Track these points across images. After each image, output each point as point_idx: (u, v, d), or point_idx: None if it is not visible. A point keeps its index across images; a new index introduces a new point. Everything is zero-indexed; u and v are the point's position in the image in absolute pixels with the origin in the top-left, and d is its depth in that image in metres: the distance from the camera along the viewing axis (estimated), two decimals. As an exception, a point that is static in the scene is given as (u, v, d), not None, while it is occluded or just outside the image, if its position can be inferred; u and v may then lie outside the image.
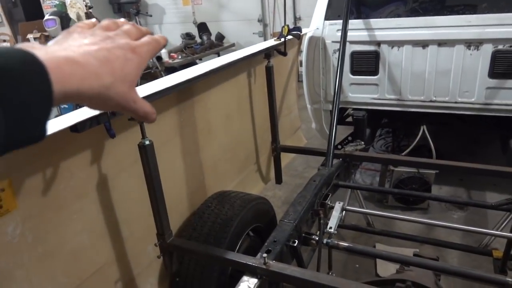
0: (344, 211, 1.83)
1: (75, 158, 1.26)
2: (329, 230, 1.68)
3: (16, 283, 1.14)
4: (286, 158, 2.92)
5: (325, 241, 1.62)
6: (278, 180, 2.55)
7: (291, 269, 1.23)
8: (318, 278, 1.17)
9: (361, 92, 2.86)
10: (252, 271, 1.28)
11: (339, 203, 1.83)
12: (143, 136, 1.31)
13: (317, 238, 1.63)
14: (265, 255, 1.27)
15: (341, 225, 2.26)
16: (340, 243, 1.59)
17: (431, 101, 2.68)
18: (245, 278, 1.28)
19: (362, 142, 2.32)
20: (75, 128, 1.06)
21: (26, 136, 0.40)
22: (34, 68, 0.38)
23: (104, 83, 0.46)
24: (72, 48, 0.45)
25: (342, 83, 2.85)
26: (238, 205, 1.79)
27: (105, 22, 0.53)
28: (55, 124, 1.07)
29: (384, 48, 2.68)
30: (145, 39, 0.53)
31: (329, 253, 1.72)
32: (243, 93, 2.31)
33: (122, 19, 0.55)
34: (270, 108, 2.34)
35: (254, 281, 1.26)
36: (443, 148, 3.20)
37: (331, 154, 2.09)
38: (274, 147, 2.44)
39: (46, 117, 0.41)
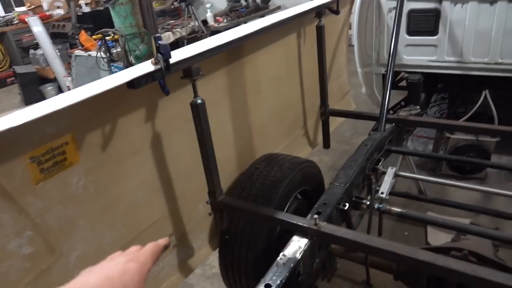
0: (396, 177, 1.77)
1: (131, 115, 1.29)
2: (381, 195, 1.63)
3: (81, 231, 1.21)
4: (333, 123, 2.84)
5: (376, 206, 1.58)
6: (326, 144, 2.50)
7: (343, 231, 1.22)
8: (371, 241, 1.15)
9: (418, 54, 2.68)
10: (302, 232, 1.28)
11: (392, 168, 1.77)
12: (195, 95, 1.31)
13: (368, 203, 1.60)
14: (316, 216, 1.26)
15: (391, 192, 2.20)
16: (392, 208, 1.55)
17: (496, 63, 2.46)
18: (295, 238, 1.28)
19: (418, 107, 2.20)
20: (132, 84, 1.08)
21: None
22: None
23: None
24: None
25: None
26: (286, 168, 1.78)
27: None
28: (112, 80, 1.09)
29: (446, 5, 2.46)
30: (145, 247, 0.66)
31: (380, 219, 1.68)
32: (292, 54, 2.24)
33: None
34: (320, 70, 2.26)
35: (304, 241, 1.26)
36: (506, 117, 2.97)
37: (384, 118, 2.01)
38: (323, 110, 2.38)
39: None
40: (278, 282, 1.11)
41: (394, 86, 3.01)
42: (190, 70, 1.23)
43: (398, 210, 1.53)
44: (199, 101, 1.31)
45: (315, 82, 2.38)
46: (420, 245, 2.18)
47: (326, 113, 2.37)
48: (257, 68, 1.92)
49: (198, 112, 1.31)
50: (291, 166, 1.80)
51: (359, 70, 2.99)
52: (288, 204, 1.76)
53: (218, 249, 1.74)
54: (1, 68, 7.45)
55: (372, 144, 1.81)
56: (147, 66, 1.14)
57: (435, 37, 2.57)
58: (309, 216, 1.34)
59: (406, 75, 2.74)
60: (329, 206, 1.41)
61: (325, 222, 1.28)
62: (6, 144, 0.94)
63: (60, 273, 1.16)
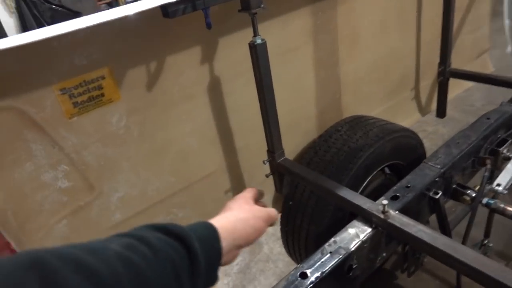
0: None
1: (183, 54, 1.14)
2: (496, 187, 1.21)
3: (124, 173, 1.16)
4: (458, 87, 2.30)
5: (485, 200, 1.18)
6: (441, 113, 2.03)
7: (417, 228, 0.91)
8: (455, 251, 0.82)
9: None
10: (366, 217, 1.01)
11: (522, 153, 1.30)
12: (255, 34, 1.08)
13: (473, 194, 1.21)
14: (385, 201, 0.96)
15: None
16: (509, 208, 1.13)
17: None
18: (356, 223, 1.02)
19: None
20: (166, 12, 0.90)
21: (210, 280, 0.59)
22: (214, 235, 0.62)
23: (242, 245, 0.69)
24: (232, 218, 0.70)
25: None
26: (373, 134, 1.45)
27: (252, 193, 0.83)
28: (140, 5, 0.93)
29: None
30: (272, 215, 0.78)
31: (489, 217, 1.28)
32: (410, -5, 1.79)
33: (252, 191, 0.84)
34: (444, 16, 1.76)
35: (366, 229, 0.99)
36: None
37: (525, 85, 1.48)
38: (442, 70, 1.89)
39: (218, 265, 0.61)
40: (318, 274, 0.89)
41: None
42: (247, 1, 1.00)
43: (516, 212, 1.11)
44: (258, 41, 1.08)
45: (438, 34, 1.88)
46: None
47: (445, 73, 1.89)
48: (354, 10, 1.57)
49: (257, 55, 1.09)
50: (380, 133, 1.46)
51: (506, 22, 2.30)
52: (369, 178, 1.46)
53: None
54: None
55: (498, 118, 1.35)
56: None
57: None
58: (380, 199, 1.04)
59: None
60: (413, 191, 1.09)
61: (397, 212, 0.97)
62: (30, 70, 0.88)
63: (99, 211, 1.14)
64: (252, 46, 1.09)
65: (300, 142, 1.63)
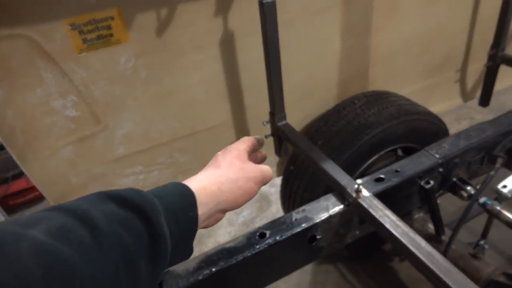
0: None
1: (197, 3, 1.15)
2: (501, 189, 1.14)
3: (129, 112, 1.24)
4: (514, 77, 2.07)
5: (482, 200, 1.11)
6: (484, 101, 1.86)
7: (383, 213, 0.89)
8: (416, 245, 0.81)
9: None
10: (341, 193, 1.01)
11: (543, 159, 1.19)
12: (265, -10, 1.05)
13: (472, 192, 1.14)
14: (359, 181, 0.95)
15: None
16: (504, 212, 1.06)
17: None
18: (330, 196, 1.02)
19: None
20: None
21: (181, 253, 0.52)
22: (189, 201, 0.53)
23: (228, 209, 0.61)
24: (218, 179, 0.61)
25: None
26: (388, 113, 1.39)
27: (247, 145, 0.72)
28: None
29: None
30: (266, 175, 0.67)
31: (488, 220, 1.21)
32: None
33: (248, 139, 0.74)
34: (506, -7, 1.56)
35: (338, 205, 0.99)
36: None
37: None
38: (493, 54, 1.71)
39: (193, 235, 0.53)
40: (277, 237, 0.92)
41: None
42: (259, -45, 0.97)
43: (510, 216, 1.04)
44: (268, -1, 1.05)
45: (499, 11, 1.68)
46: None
47: (495, 58, 1.70)
48: (398, -26, 1.44)
49: (265, 14, 1.07)
50: (395, 112, 1.40)
51: None
52: (375, 157, 1.42)
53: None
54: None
55: (528, 115, 1.22)
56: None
57: None
58: (362, 179, 1.03)
59: None
60: (400, 177, 1.05)
61: (371, 194, 0.96)
62: (42, 2, 0.95)
63: (104, 143, 1.24)
64: (261, 4, 1.07)
65: (317, 109, 1.60)
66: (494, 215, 1.08)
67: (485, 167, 1.19)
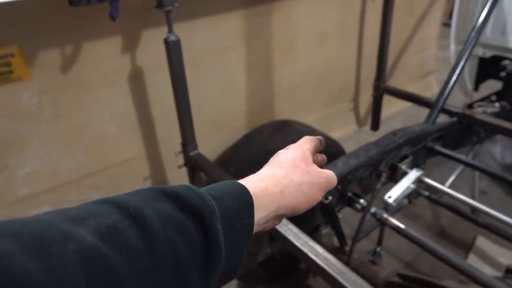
0: (419, 183, 1.41)
1: (103, 41, 1.19)
2: (387, 199, 1.31)
3: (33, 149, 1.20)
4: (399, 104, 2.41)
5: (373, 210, 1.27)
6: (374, 126, 2.13)
7: (288, 227, 0.98)
8: (315, 252, 0.90)
9: (533, 38, 2.04)
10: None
11: (417, 171, 1.40)
12: (170, 30, 1.14)
13: (365, 204, 1.30)
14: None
15: (435, 200, 1.80)
16: (390, 219, 1.23)
17: None
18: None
19: (497, 104, 1.69)
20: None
21: (233, 263, 0.43)
22: (247, 206, 0.45)
23: (287, 215, 0.53)
24: (282, 181, 0.51)
25: (505, 21, 2.08)
26: (291, 139, 1.53)
27: (311, 145, 0.61)
28: None
29: None
30: (331, 181, 0.57)
31: (381, 228, 1.37)
32: (352, 10, 1.87)
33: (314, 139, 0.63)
34: (381, 35, 1.86)
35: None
36: None
37: (438, 108, 1.58)
38: (376, 85, 1.99)
39: (247, 244, 0.45)
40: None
41: (495, 75, 2.39)
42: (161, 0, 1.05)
43: (396, 223, 1.20)
44: (172, 38, 1.14)
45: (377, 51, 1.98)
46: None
47: (379, 89, 1.99)
48: (292, 18, 1.64)
49: (170, 51, 1.14)
50: (297, 138, 1.54)
51: (452, 47, 2.42)
52: (284, 180, 1.54)
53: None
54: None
55: (403, 136, 1.44)
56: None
57: None
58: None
59: (508, 62, 2.13)
60: (303, 195, 1.16)
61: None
62: None
63: (3, 184, 1.17)
64: (166, 43, 1.14)
65: (229, 139, 1.69)
66: (383, 223, 1.25)
67: (374, 181, 1.37)
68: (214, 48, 1.46)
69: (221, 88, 1.56)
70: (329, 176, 0.57)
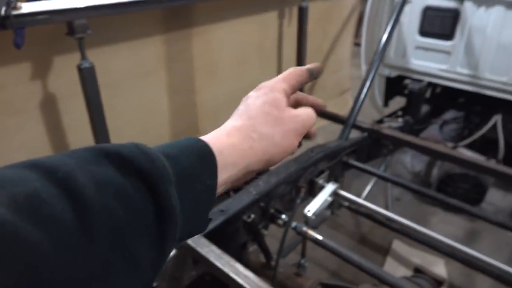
0: (335, 197, 1.51)
1: (5, 68, 1.13)
2: (307, 213, 1.39)
3: None
4: (320, 121, 2.57)
5: (294, 224, 1.34)
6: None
7: (210, 249, 1.00)
8: (221, 262, 0.93)
9: (427, 59, 2.32)
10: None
11: (333, 184, 1.51)
12: (83, 57, 1.12)
13: (286, 219, 1.36)
14: (187, 224, 1.05)
15: (355, 210, 1.93)
16: (309, 231, 1.30)
17: (516, 85, 2.06)
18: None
19: (400, 119, 1.89)
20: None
21: (194, 228, 0.40)
22: (209, 165, 0.40)
23: (260, 169, 0.47)
24: (251, 134, 0.45)
25: (405, 45, 2.34)
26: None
27: (287, 85, 0.52)
28: None
29: (467, 7, 2.08)
30: (307, 124, 0.49)
31: (304, 240, 1.45)
32: (270, 35, 1.98)
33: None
34: (297, 58, 1.99)
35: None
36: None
37: (349, 125, 1.72)
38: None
39: (210, 207, 0.41)
40: None
41: (400, 92, 2.66)
42: (72, 27, 1.03)
43: (314, 235, 1.28)
44: (86, 64, 1.12)
45: (297, 72, 2.11)
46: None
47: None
48: (211, 43, 1.69)
49: (84, 78, 1.12)
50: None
51: (363, 68, 2.66)
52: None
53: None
54: None
55: (320, 152, 1.55)
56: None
57: (450, 43, 2.20)
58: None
59: (410, 82, 2.40)
60: (226, 215, 1.19)
61: (199, 235, 1.06)
62: None
63: None
64: (79, 69, 1.12)
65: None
66: (304, 236, 1.32)
67: (294, 197, 1.45)
68: (134, 73, 1.46)
69: (143, 112, 1.55)
70: (304, 118, 0.49)
